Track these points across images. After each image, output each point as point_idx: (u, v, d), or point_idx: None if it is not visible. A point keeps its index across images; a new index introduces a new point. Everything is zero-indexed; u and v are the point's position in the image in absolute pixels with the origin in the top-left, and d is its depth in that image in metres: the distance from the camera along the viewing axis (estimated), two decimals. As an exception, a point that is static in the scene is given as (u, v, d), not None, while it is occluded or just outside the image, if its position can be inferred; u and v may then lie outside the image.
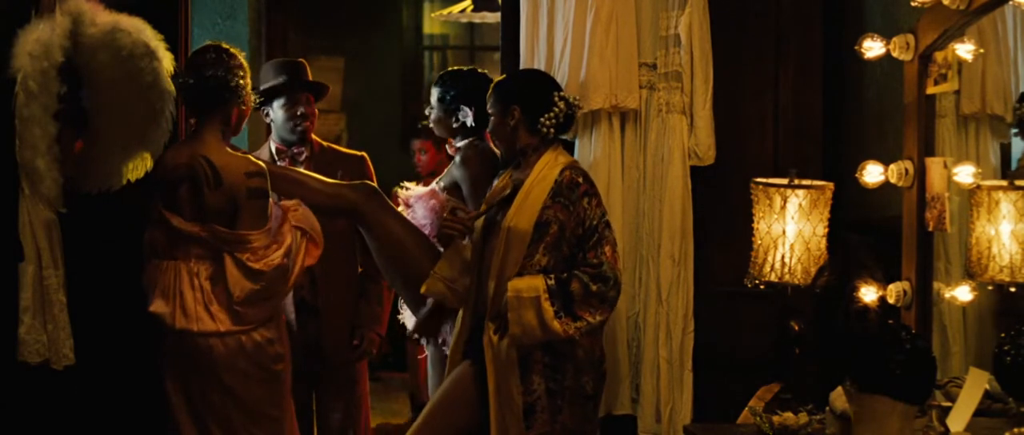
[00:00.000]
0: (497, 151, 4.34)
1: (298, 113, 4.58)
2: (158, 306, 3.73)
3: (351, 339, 4.67)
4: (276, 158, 4.60)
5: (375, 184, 4.67)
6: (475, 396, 4.02)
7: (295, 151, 4.62)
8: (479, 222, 4.09)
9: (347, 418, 4.73)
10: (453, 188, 4.35)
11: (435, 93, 4.44)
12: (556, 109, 4.03)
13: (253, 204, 3.80)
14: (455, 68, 4.52)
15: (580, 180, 3.97)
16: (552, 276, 3.90)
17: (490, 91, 4.12)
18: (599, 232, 3.93)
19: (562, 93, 4.06)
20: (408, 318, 4.53)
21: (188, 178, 3.79)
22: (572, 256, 3.94)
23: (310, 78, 4.70)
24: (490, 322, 3.97)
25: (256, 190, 3.81)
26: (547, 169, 3.99)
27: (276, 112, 4.61)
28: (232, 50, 3.95)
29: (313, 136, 4.69)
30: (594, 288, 3.88)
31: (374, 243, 4.24)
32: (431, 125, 4.54)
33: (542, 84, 4.10)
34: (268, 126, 4.74)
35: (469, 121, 4.37)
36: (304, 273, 4.53)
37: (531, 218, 3.94)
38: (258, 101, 4.58)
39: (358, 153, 4.77)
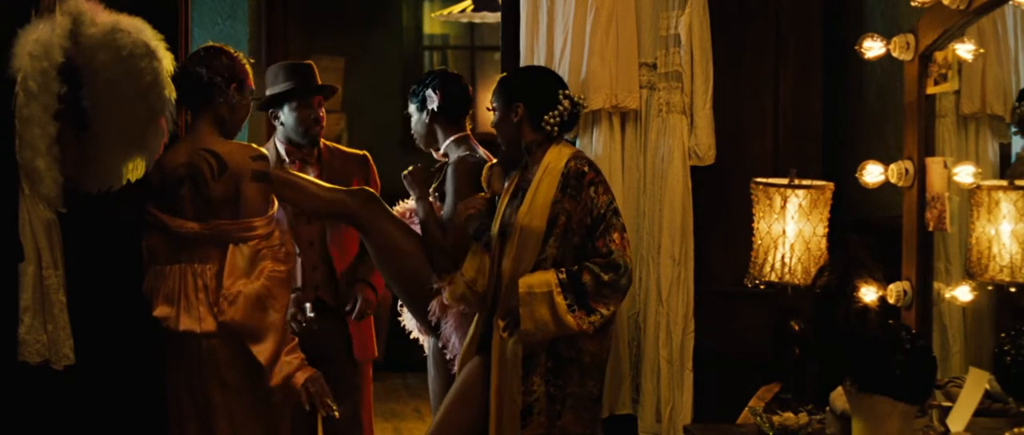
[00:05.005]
0: (488, 156, 4.36)
1: (312, 117, 4.57)
2: (162, 310, 3.73)
3: (367, 336, 4.68)
4: (286, 159, 4.59)
5: (378, 180, 4.70)
6: (484, 393, 4.02)
7: (305, 152, 4.62)
8: (495, 223, 4.08)
9: (354, 418, 4.73)
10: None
11: (410, 104, 4.48)
12: (561, 107, 4.02)
13: (254, 186, 3.76)
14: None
15: (586, 169, 3.95)
16: (562, 269, 3.88)
17: (495, 86, 4.12)
18: (607, 220, 3.91)
19: (567, 91, 4.06)
20: (409, 320, 4.53)
21: (188, 176, 3.78)
22: (582, 246, 3.93)
23: (318, 78, 4.67)
24: (500, 320, 3.97)
25: (259, 173, 3.78)
26: (553, 162, 3.98)
27: (287, 116, 4.59)
28: (228, 51, 3.92)
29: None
30: (606, 278, 3.86)
31: (373, 248, 4.29)
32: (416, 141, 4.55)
33: (547, 81, 4.09)
34: (271, 126, 4.74)
35: (434, 105, 4.37)
36: (322, 273, 4.55)
37: (544, 214, 3.93)
38: (262, 102, 4.58)
39: (360, 152, 4.78)
